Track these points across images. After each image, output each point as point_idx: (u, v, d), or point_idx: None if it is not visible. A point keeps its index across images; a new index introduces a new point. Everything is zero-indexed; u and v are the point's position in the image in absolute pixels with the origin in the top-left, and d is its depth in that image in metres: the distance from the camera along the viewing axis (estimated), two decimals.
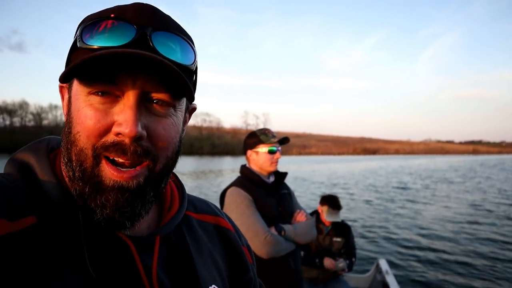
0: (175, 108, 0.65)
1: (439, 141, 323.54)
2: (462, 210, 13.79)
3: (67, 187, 0.64)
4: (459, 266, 7.28)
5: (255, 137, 2.60)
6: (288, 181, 2.71)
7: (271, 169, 2.55)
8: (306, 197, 16.85)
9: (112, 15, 0.60)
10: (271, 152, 2.52)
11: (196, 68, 0.69)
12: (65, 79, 0.58)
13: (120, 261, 0.63)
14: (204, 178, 26.19)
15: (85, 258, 0.58)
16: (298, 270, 2.46)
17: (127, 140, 0.58)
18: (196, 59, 0.67)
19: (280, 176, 2.64)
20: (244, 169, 2.60)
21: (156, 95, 0.61)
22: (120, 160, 0.59)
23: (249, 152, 2.61)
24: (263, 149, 2.53)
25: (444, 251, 8.25)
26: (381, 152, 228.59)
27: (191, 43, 0.67)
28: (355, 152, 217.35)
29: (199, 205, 0.89)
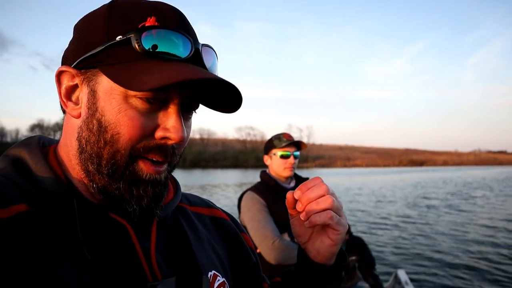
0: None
1: (489, 151, 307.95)
2: (497, 223, 12.30)
3: (61, 177, 0.65)
4: (487, 282, 6.60)
5: (270, 142, 2.61)
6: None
7: (285, 174, 2.52)
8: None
9: (154, 17, 0.60)
10: (283, 156, 2.50)
11: None
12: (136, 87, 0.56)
13: (117, 243, 0.63)
14: None
15: (80, 241, 0.58)
16: None
17: (169, 143, 0.61)
18: None
19: (301, 181, 2.57)
20: (263, 174, 2.61)
21: (192, 104, 0.66)
22: (159, 160, 0.62)
23: (265, 157, 2.64)
24: (276, 153, 2.52)
25: (470, 265, 7.52)
26: (428, 163, 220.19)
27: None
28: (401, 164, 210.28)
29: (193, 199, 0.90)
